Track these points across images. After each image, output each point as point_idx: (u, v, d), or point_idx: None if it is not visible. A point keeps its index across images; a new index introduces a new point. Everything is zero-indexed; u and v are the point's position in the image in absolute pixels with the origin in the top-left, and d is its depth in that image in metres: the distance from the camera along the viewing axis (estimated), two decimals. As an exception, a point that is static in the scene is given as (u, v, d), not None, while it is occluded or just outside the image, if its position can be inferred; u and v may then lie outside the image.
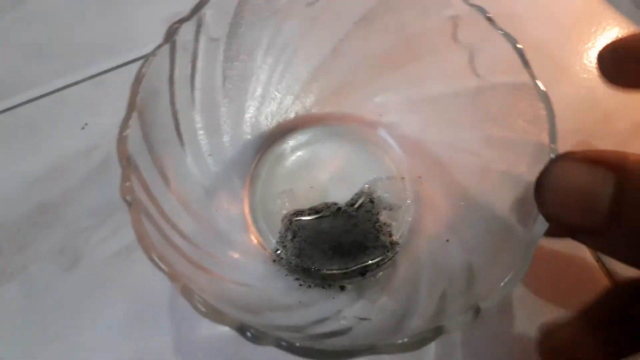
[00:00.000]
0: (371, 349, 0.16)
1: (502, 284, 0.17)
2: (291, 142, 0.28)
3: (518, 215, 0.20)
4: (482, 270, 0.20)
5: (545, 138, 0.20)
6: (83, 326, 0.25)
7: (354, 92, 0.28)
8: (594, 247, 0.15)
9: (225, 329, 0.16)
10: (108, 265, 0.27)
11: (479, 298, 0.18)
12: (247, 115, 0.27)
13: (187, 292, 0.17)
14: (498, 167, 0.23)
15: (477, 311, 0.17)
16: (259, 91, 0.27)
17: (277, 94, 0.28)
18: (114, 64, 0.33)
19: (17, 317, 0.26)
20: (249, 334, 0.16)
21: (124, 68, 0.33)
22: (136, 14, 0.34)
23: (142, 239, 0.17)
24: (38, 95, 0.32)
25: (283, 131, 0.28)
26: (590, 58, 0.32)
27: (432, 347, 0.24)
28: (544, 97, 0.20)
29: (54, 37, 0.34)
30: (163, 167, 0.21)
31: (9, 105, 0.32)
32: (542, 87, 0.20)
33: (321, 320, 0.21)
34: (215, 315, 0.16)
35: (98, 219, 0.28)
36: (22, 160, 0.30)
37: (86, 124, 0.31)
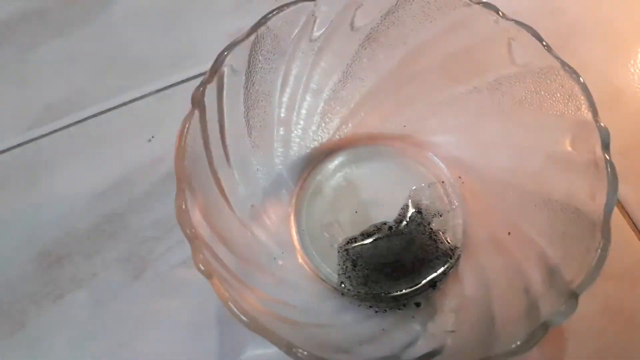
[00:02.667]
0: None
1: (593, 262, 0.17)
2: (323, 174, 0.28)
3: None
4: (559, 254, 0.20)
5: (586, 112, 0.20)
6: (148, 334, 0.26)
7: (373, 109, 0.28)
8: None
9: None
10: (172, 274, 0.27)
11: (570, 283, 0.18)
12: (276, 159, 0.27)
13: (290, 350, 0.16)
14: (539, 150, 0.23)
15: (575, 297, 0.17)
16: (282, 132, 0.27)
17: (298, 129, 0.28)
18: (179, 79, 0.34)
19: (86, 324, 0.27)
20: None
21: (188, 83, 0.34)
22: (200, 30, 0.36)
23: (228, 305, 0.17)
24: (106, 108, 0.33)
25: (313, 163, 0.28)
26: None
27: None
28: (575, 74, 0.20)
29: (121, 53, 0.35)
30: (218, 228, 0.21)
31: (79, 118, 0.33)
32: (571, 65, 0.20)
33: (412, 343, 0.21)
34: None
35: (163, 229, 0.29)
36: (91, 171, 0.31)
37: (152, 137, 0.32)
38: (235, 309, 0.17)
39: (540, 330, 0.16)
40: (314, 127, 0.28)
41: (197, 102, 0.20)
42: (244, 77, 0.23)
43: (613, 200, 0.18)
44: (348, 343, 0.21)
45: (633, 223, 0.27)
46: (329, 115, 0.28)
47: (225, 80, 0.22)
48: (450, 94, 0.26)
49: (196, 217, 0.19)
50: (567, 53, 0.22)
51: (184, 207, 0.18)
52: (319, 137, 0.28)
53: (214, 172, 0.22)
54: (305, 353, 0.16)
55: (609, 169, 0.18)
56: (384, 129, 0.28)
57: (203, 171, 0.21)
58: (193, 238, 0.18)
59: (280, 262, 0.24)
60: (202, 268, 0.18)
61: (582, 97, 0.20)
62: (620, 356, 0.25)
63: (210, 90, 0.21)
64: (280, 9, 0.22)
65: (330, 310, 0.24)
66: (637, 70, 0.32)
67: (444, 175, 0.27)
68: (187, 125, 0.20)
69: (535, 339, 0.16)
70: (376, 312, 0.24)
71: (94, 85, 0.34)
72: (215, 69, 0.21)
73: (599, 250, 0.17)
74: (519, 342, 0.16)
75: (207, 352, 0.26)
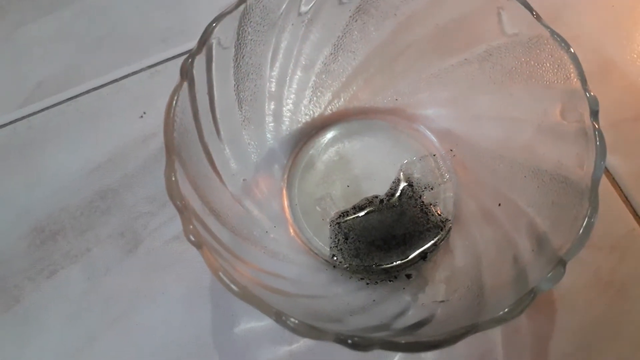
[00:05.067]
0: (475, 328, 0.16)
1: (580, 230, 0.17)
2: (315, 148, 0.28)
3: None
4: (548, 223, 0.20)
5: (575, 81, 0.20)
6: (142, 308, 0.27)
7: (365, 83, 0.28)
8: None
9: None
10: (166, 249, 0.28)
11: (558, 251, 0.18)
12: (268, 134, 0.27)
13: (280, 318, 0.16)
14: (530, 121, 0.23)
15: (563, 264, 0.17)
16: (273, 106, 0.27)
17: (290, 104, 0.27)
18: (170, 55, 0.34)
19: (81, 299, 0.27)
20: (350, 341, 0.16)
21: (179, 59, 0.34)
22: (192, 5, 0.36)
23: (217, 274, 0.17)
24: (98, 85, 0.33)
25: (305, 137, 0.28)
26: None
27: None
28: (564, 43, 0.20)
29: (112, 29, 0.35)
30: (209, 201, 0.21)
31: (71, 95, 0.33)
32: (561, 35, 0.20)
33: (403, 313, 0.21)
34: (313, 333, 0.16)
35: (156, 205, 0.29)
36: (83, 148, 0.31)
37: (144, 113, 0.32)
38: (225, 278, 0.17)
39: (527, 297, 0.16)
40: (305, 101, 0.28)
41: (186, 73, 0.20)
42: (233, 50, 0.23)
43: (601, 166, 0.18)
44: (339, 313, 0.21)
45: (624, 195, 0.28)
46: (321, 89, 0.28)
47: (214, 52, 0.22)
48: (441, 66, 0.26)
49: (186, 189, 0.19)
50: (561, 25, 0.22)
51: (173, 178, 0.18)
52: (311, 112, 0.28)
53: (205, 146, 0.22)
54: (296, 322, 0.16)
55: (597, 136, 0.18)
56: (376, 103, 0.28)
57: (193, 144, 0.21)
58: (182, 209, 0.18)
59: (272, 235, 0.24)
60: (192, 239, 0.18)
61: (571, 66, 0.20)
62: (610, 326, 0.26)
63: (199, 62, 0.21)
64: (268, -21, 0.22)
65: (322, 282, 0.24)
66: (630, 43, 0.32)
67: (435, 148, 0.27)
68: (175, 97, 0.20)
69: (522, 306, 0.16)
70: (367, 283, 0.24)
71: (86, 62, 0.34)
72: (204, 40, 0.21)
73: (587, 217, 0.17)
74: (506, 309, 0.16)
75: (201, 325, 0.26)
